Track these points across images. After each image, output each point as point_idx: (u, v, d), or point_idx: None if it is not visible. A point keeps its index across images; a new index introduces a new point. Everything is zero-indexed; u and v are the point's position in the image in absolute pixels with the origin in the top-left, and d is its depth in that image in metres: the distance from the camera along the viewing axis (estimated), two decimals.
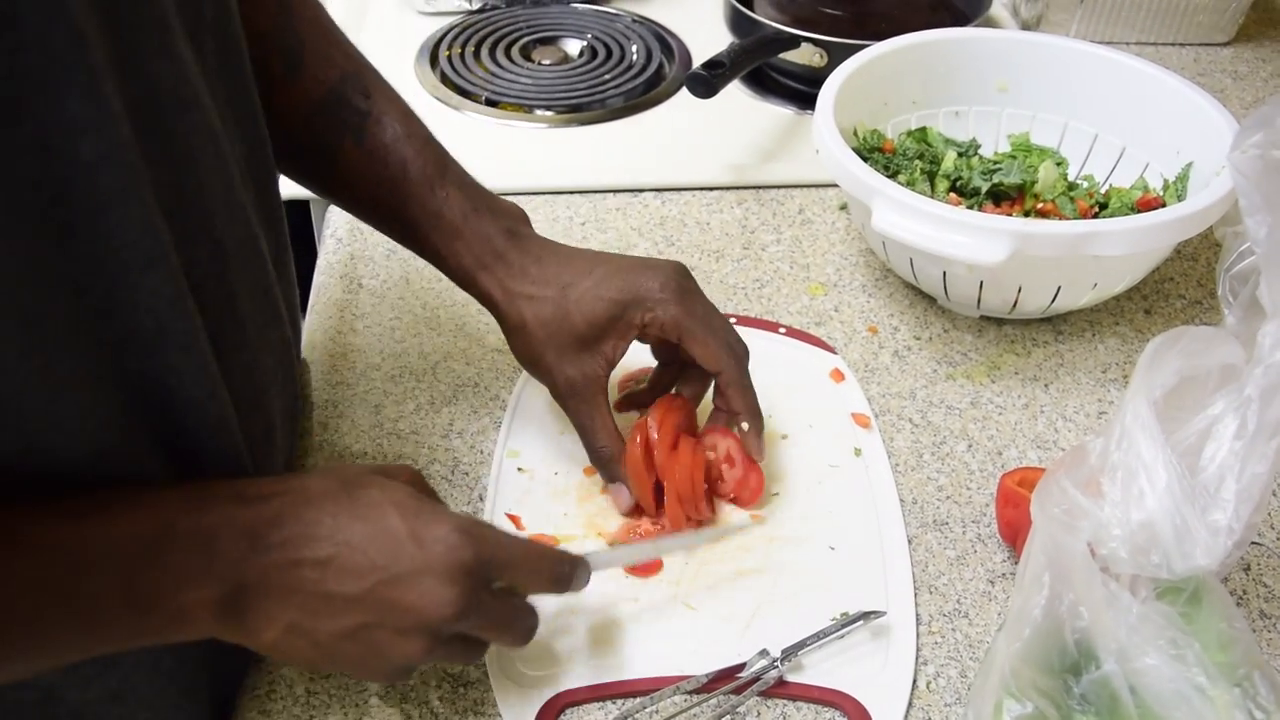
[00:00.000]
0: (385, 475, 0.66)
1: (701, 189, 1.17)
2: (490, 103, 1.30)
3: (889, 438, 0.90)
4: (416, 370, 0.95)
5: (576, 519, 0.83)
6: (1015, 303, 0.96)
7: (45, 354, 0.51)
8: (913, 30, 1.12)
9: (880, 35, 1.11)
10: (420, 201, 0.80)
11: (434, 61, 1.37)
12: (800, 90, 1.31)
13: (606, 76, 1.34)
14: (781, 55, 1.26)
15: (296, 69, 0.79)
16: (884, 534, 0.82)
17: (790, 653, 0.73)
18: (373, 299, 1.03)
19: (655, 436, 0.80)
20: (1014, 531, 0.80)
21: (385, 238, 1.07)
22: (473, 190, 0.83)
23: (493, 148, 1.22)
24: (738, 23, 1.32)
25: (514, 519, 0.82)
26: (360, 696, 0.72)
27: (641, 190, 1.17)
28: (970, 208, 1.03)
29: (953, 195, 1.06)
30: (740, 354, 0.81)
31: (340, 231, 1.10)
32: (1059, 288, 0.93)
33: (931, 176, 1.07)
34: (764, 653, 0.73)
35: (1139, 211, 0.99)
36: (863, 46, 1.10)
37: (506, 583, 0.67)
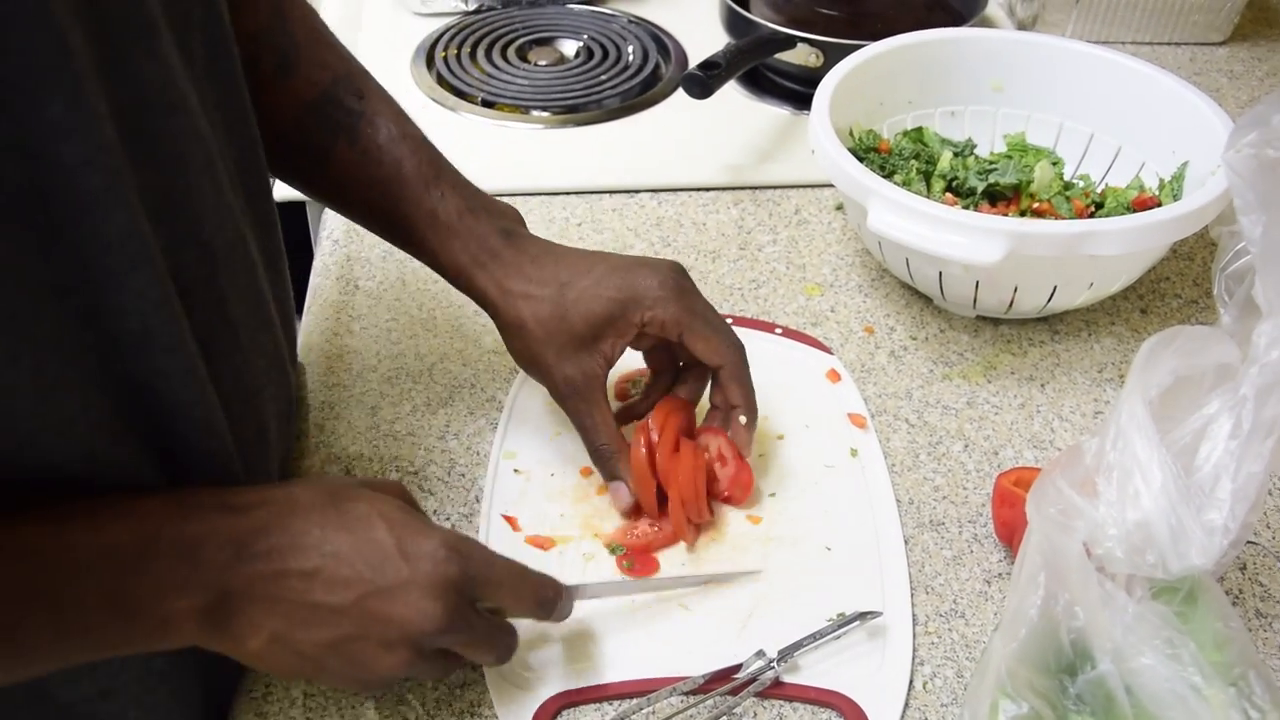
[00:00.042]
0: (372, 488, 0.67)
1: (698, 189, 1.17)
2: (486, 104, 1.30)
3: (885, 438, 0.90)
4: (413, 372, 0.95)
5: (573, 520, 0.83)
6: (1011, 303, 0.96)
7: (34, 356, 0.51)
8: (908, 30, 1.12)
9: (876, 35, 1.11)
10: (415, 201, 0.80)
11: (430, 62, 1.37)
12: (796, 91, 1.31)
13: (603, 77, 1.34)
14: (777, 56, 1.26)
15: (289, 70, 0.79)
16: (880, 534, 0.82)
17: (787, 653, 0.73)
18: (369, 301, 1.03)
19: (657, 439, 0.80)
20: (1010, 531, 0.80)
21: (381, 240, 1.07)
22: (467, 190, 0.83)
23: (489, 149, 1.22)
24: (734, 23, 1.32)
25: (510, 520, 0.82)
26: (356, 699, 0.72)
27: (638, 191, 1.17)
28: (966, 208, 1.03)
29: (949, 195, 1.06)
30: (741, 348, 0.81)
31: (336, 233, 1.10)
32: (1055, 287, 0.93)
33: (927, 176, 1.07)
34: (760, 653, 0.73)
35: (1135, 211, 0.99)
36: (858, 47, 1.10)
37: (491, 602, 0.67)
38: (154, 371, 0.57)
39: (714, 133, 1.25)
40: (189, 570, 0.58)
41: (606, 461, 0.81)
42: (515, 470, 0.86)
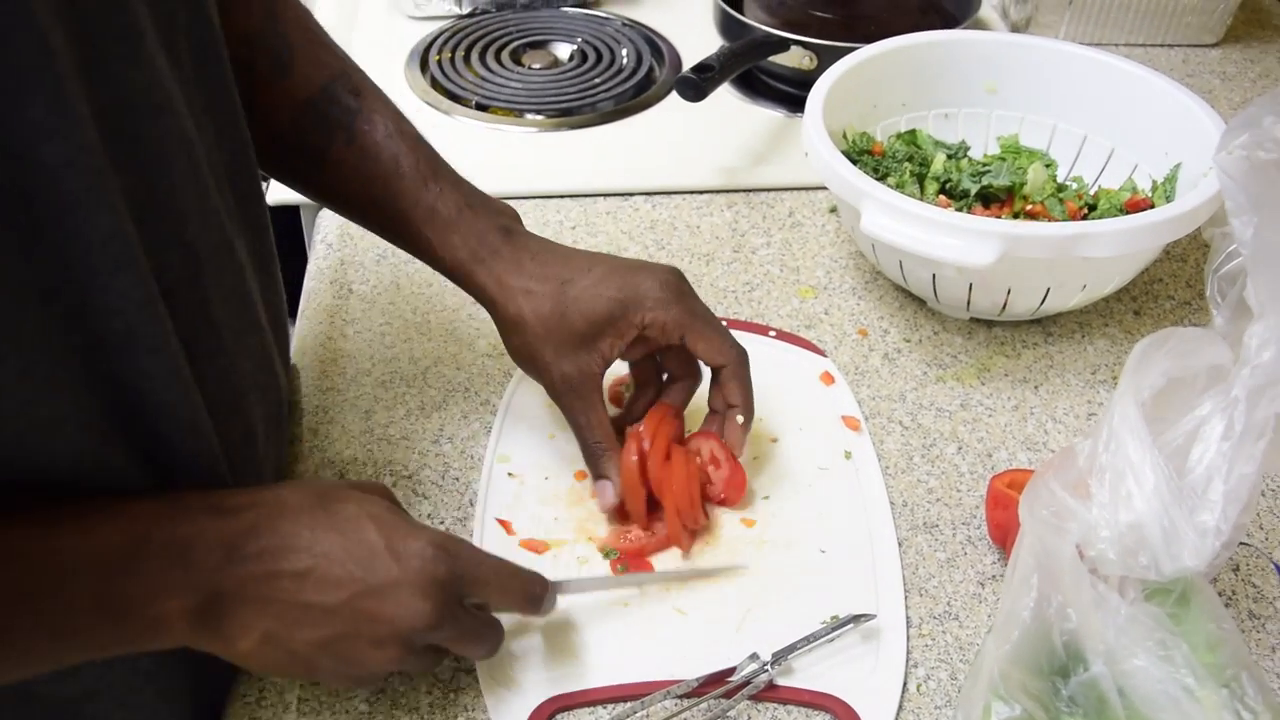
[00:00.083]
0: (357, 489, 0.67)
1: (692, 192, 1.17)
2: (480, 107, 1.30)
3: (879, 440, 0.90)
4: (407, 375, 0.95)
5: (567, 523, 0.83)
6: (1005, 305, 0.96)
7: (20, 357, 0.52)
8: (902, 32, 1.12)
9: (870, 38, 1.11)
10: (414, 197, 0.80)
11: (424, 66, 1.37)
12: (790, 93, 1.31)
13: (596, 80, 1.34)
14: (771, 58, 1.26)
15: (284, 70, 0.79)
16: (874, 537, 0.82)
17: (781, 656, 0.73)
18: (363, 304, 1.03)
19: (648, 448, 0.80)
20: (1004, 533, 0.80)
21: (376, 243, 1.08)
22: (465, 187, 0.83)
23: (483, 152, 1.22)
24: (727, 26, 1.32)
25: (504, 524, 0.82)
26: (350, 704, 0.72)
27: (632, 194, 1.17)
28: (959, 210, 1.03)
29: (942, 197, 1.06)
30: (743, 350, 0.82)
31: (330, 237, 1.10)
32: (1048, 289, 0.94)
33: (921, 179, 1.07)
34: (754, 656, 0.73)
35: (1128, 213, 0.99)
36: (852, 49, 1.10)
37: (479, 599, 0.68)
38: (138, 372, 0.57)
39: (708, 135, 1.25)
40: (180, 572, 0.59)
41: (597, 460, 0.81)
42: (509, 474, 0.86)
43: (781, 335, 0.99)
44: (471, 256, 0.80)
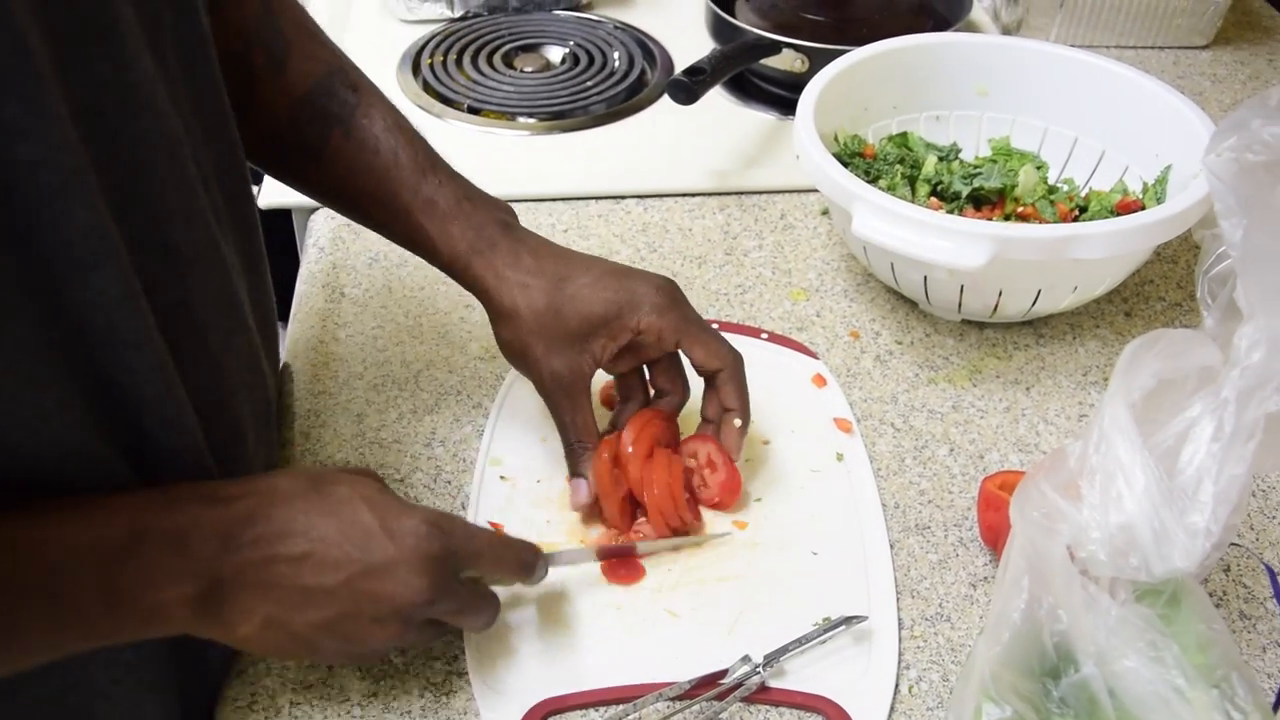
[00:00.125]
0: (349, 474, 0.68)
1: (684, 195, 1.18)
2: (473, 110, 1.30)
3: (871, 442, 0.90)
4: (399, 379, 0.95)
5: (559, 526, 0.83)
6: (996, 306, 0.96)
7: (5, 354, 0.52)
8: (893, 35, 1.13)
9: (861, 40, 1.11)
10: (413, 189, 0.80)
11: (416, 69, 1.37)
12: (782, 96, 1.31)
13: (589, 83, 1.34)
14: (763, 61, 1.26)
15: (280, 66, 0.80)
16: (866, 539, 0.82)
17: (773, 658, 0.73)
18: (355, 308, 1.03)
19: (630, 450, 0.80)
20: (995, 535, 0.80)
21: (368, 247, 1.08)
22: (463, 180, 0.83)
23: (475, 155, 1.22)
24: (719, 29, 1.33)
25: (497, 527, 0.82)
26: (344, 707, 0.72)
27: (624, 197, 1.17)
28: (951, 212, 1.03)
29: (933, 200, 1.06)
30: (738, 354, 0.82)
31: (322, 240, 1.10)
32: (1039, 291, 0.94)
33: (912, 181, 1.07)
34: (746, 659, 0.73)
35: (1118, 214, 0.99)
36: (844, 52, 1.10)
37: (474, 571, 0.69)
38: (121, 367, 0.58)
39: (700, 138, 1.25)
40: (179, 560, 0.60)
41: (577, 459, 0.81)
42: (501, 477, 0.86)
43: (773, 338, 0.99)
44: (470, 248, 0.80)
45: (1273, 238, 0.65)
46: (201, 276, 0.64)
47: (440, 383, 0.95)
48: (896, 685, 0.73)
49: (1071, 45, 1.16)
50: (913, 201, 1.02)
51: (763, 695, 0.72)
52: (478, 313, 0.83)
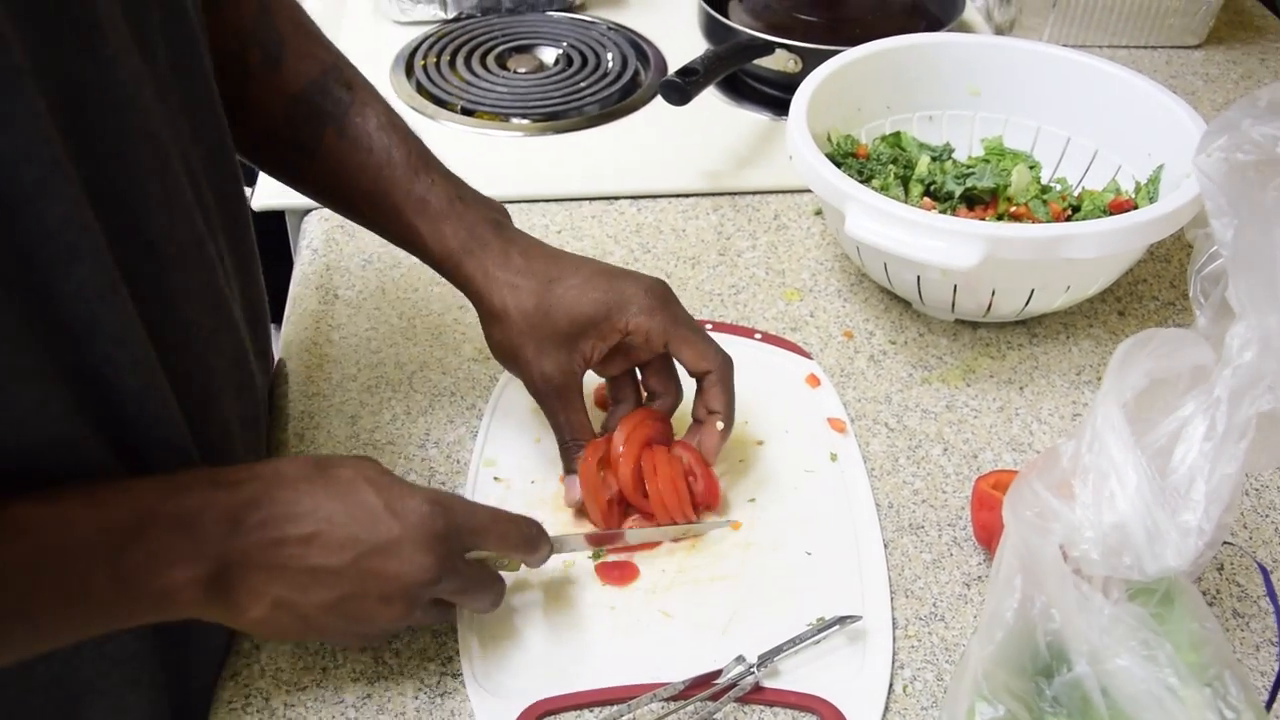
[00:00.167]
0: (351, 458, 0.69)
1: (677, 196, 1.18)
2: (466, 111, 1.30)
3: (865, 442, 0.90)
4: (393, 381, 0.95)
5: (553, 527, 0.82)
6: (989, 306, 0.96)
7: None
8: (886, 35, 1.13)
9: (854, 41, 1.11)
10: (405, 187, 0.81)
11: (409, 71, 1.37)
12: (775, 96, 1.31)
13: (582, 84, 1.34)
14: (756, 61, 1.26)
15: (277, 63, 0.80)
16: (860, 538, 0.82)
17: (767, 658, 0.73)
18: (349, 310, 1.03)
19: (620, 450, 0.80)
20: (989, 534, 0.80)
21: (361, 248, 1.08)
22: (456, 180, 0.84)
23: (469, 156, 1.21)
24: (712, 29, 1.33)
25: None
26: (338, 709, 0.72)
27: (617, 198, 1.17)
28: (944, 212, 1.03)
29: (926, 200, 1.06)
30: (727, 357, 0.82)
31: (316, 242, 1.10)
32: (1032, 291, 0.94)
33: (905, 181, 1.07)
34: (740, 659, 0.73)
35: (1111, 214, 0.99)
36: (837, 52, 1.10)
37: (479, 548, 0.70)
38: (103, 360, 0.58)
39: (693, 139, 1.25)
40: (186, 543, 0.60)
41: (570, 457, 0.82)
42: (495, 478, 0.86)
43: (767, 338, 0.99)
44: (461, 247, 0.81)
45: (1264, 237, 0.65)
46: (185, 273, 0.64)
47: (434, 384, 0.95)
48: (891, 685, 0.73)
49: (1064, 45, 1.16)
50: (906, 201, 1.02)
51: (757, 695, 0.72)
52: (471, 314, 0.83)
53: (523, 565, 0.75)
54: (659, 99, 1.17)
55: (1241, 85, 1.39)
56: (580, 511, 0.83)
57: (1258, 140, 0.68)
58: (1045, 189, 1.08)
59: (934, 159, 1.10)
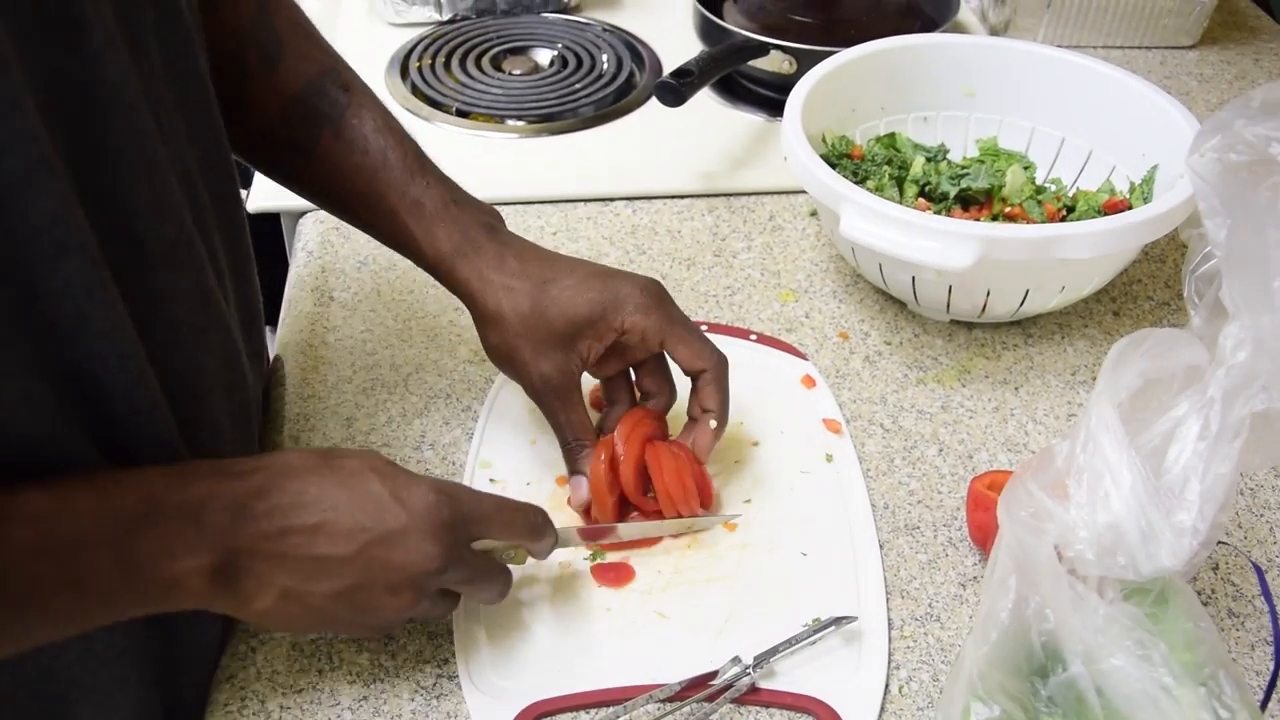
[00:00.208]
0: (356, 450, 0.70)
1: (672, 197, 1.18)
2: (461, 113, 1.30)
3: (860, 443, 0.90)
4: (388, 382, 0.95)
5: None
6: (984, 306, 0.96)
7: None
8: (881, 36, 1.13)
9: (849, 42, 1.12)
10: (400, 190, 0.81)
11: (404, 73, 1.37)
12: (770, 97, 1.31)
13: (577, 86, 1.34)
14: (751, 63, 1.26)
15: (274, 64, 0.81)
16: (856, 539, 0.82)
17: (763, 659, 0.73)
18: (344, 312, 1.03)
19: (621, 450, 0.80)
20: (985, 535, 0.80)
21: (357, 250, 1.08)
22: (450, 183, 0.84)
23: (464, 158, 1.22)
24: (707, 31, 1.33)
25: None
26: (334, 711, 0.72)
27: (613, 199, 1.17)
28: (939, 213, 1.04)
29: (921, 200, 1.07)
30: (722, 356, 0.82)
31: (311, 244, 1.10)
32: (1027, 291, 0.94)
33: (900, 182, 1.08)
34: (736, 660, 0.73)
35: (1105, 214, 0.99)
36: (832, 53, 1.10)
37: (485, 536, 0.70)
38: (92, 356, 0.58)
39: (688, 140, 1.26)
40: (192, 532, 0.61)
41: (575, 457, 0.82)
42: (491, 480, 0.86)
43: (762, 339, 0.99)
44: (455, 250, 0.81)
45: (1257, 237, 0.65)
46: (173, 272, 0.64)
47: (429, 386, 0.95)
48: (886, 685, 0.74)
49: (1058, 45, 1.16)
50: (900, 202, 1.02)
51: (753, 696, 0.72)
52: (466, 316, 0.83)
53: (526, 560, 0.75)
54: (654, 100, 1.17)
55: (1236, 86, 1.39)
56: (584, 513, 0.83)
57: (1251, 140, 0.69)
58: (1040, 190, 1.08)
59: (929, 160, 1.10)
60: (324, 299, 1.04)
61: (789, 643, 0.74)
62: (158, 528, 0.60)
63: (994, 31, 1.44)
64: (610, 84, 1.35)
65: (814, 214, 1.15)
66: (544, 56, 1.41)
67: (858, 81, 1.10)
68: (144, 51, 0.61)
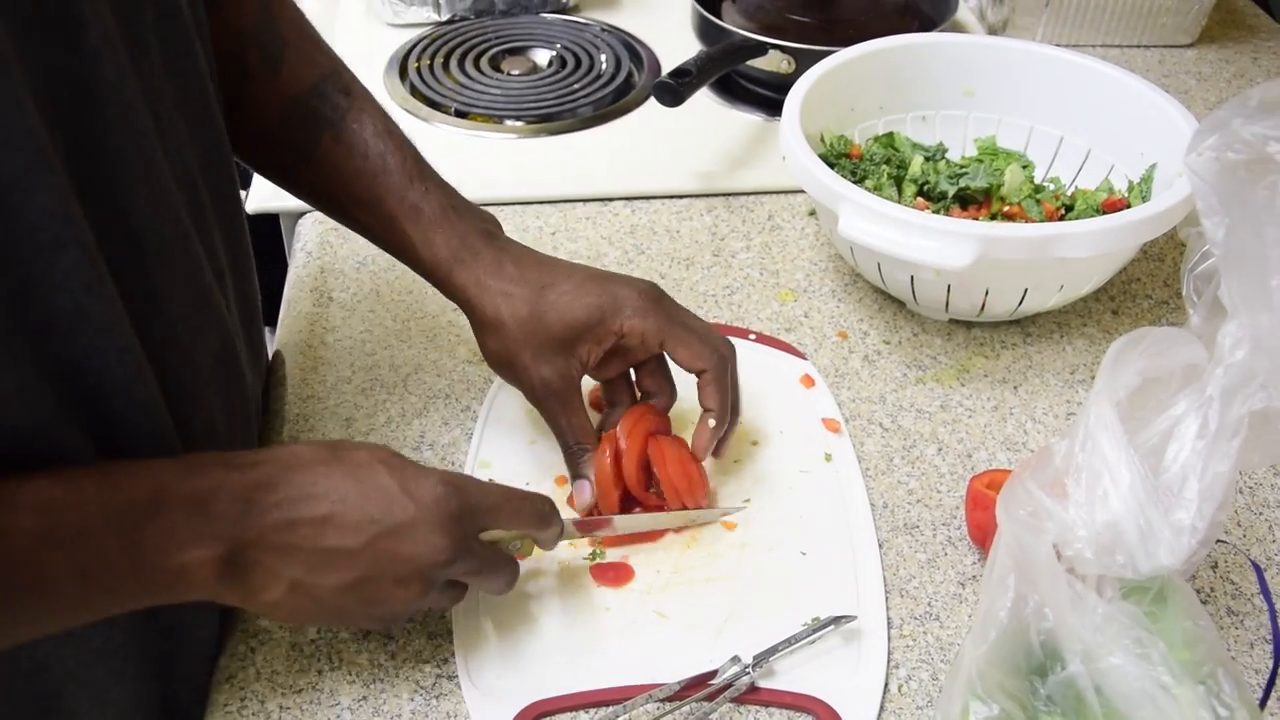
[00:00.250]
0: (364, 443, 0.70)
1: (671, 197, 1.18)
2: (460, 114, 1.30)
3: (859, 442, 0.90)
4: (387, 383, 0.95)
5: None
6: (983, 306, 0.96)
7: None
8: (879, 35, 1.13)
9: (848, 41, 1.12)
10: (399, 195, 0.81)
11: (403, 73, 1.37)
12: (769, 97, 1.31)
13: (576, 86, 1.34)
14: (749, 62, 1.26)
15: (276, 66, 0.81)
16: (855, 538, 0.82)
17: (762, 659, 0.73)
18: (343, 312, 1.03)
19: (624, 446, 0.80)
20: (984, 534, 0.81)
21: (356, 251, 1.08)
22: (449, 189, 0.84)
23: (463, 159, 1.22)
24: (706, 30, 1.33)
25: None
26: (333, 711, 0.72)
27: (611, 199, 1.17)
28: (937, 212, 1.04)
29: (920, 200, 1.07)
30: (724, 352, 0.82)
31: (310, 245, 1.10)
32: (1026, 290, 0.94)
33: (899, 181, 1.08)
34: (736, 659, 0.73)
35: (1104, 213, 0.99)
36: (830, 53, 1.10)
37: (493, 527, 0.70)
38: (90, 349, 0.58)
39: (687, 140, 1.26)
40: (200, 523, 0.61)
41: (577, 461, 0.82)
42: (489, 480, 0.86)
43: (761, 338, 0.99)
44: (452, 256, 0.81)
45: (1255, 236, 0.65)
46: (169, 268, 0.64)
47: (429, 386, 0.95)
48: (886, 684, 0.74)
49: (1057, 44, 1.17)
50: (899, 202, 1.02)
51: (752, 696, 0.72)
52: (466, 316, 0.83)
53: (532, 552, 0.75)
54: (652, 100, 1.17)
55: (1234, 84, 1.39)
56: (587, 516, 0.83)
57: (1248, 139, 0.69)
58: (1038, 188, 1.08)
59: (927, 159, 1.10)
60: (323, 299, 1.04)
61: (788, 642, 0.74)
62: (165, 518, 0.60)
63: (992, 30, 1.45)
64: (609, 84, 1.35)
65: (813, 213, 1.15)
66: (542, 57, 1.41)
67: (856, 81, 1.10)
68: (143, 49, 0.62)
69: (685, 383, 0.84)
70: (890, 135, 1.12)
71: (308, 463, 0.65)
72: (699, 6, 1.32)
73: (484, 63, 1.39)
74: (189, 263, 0.67)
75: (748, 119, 1.30)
